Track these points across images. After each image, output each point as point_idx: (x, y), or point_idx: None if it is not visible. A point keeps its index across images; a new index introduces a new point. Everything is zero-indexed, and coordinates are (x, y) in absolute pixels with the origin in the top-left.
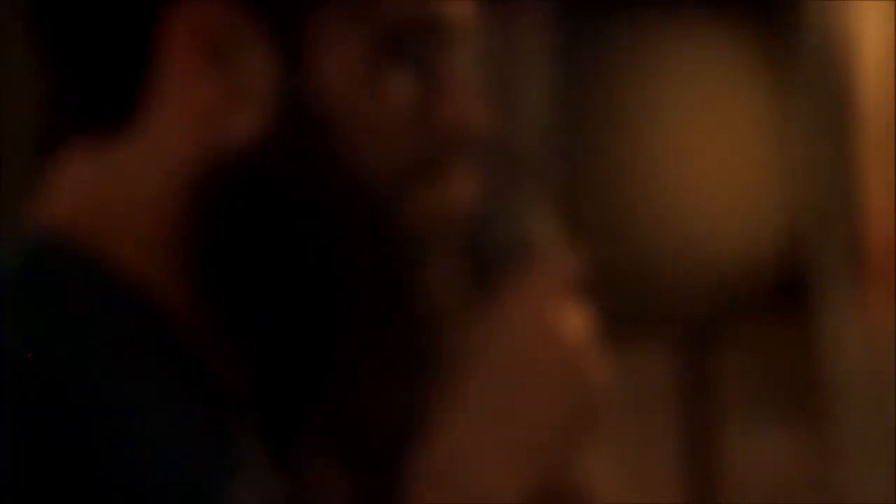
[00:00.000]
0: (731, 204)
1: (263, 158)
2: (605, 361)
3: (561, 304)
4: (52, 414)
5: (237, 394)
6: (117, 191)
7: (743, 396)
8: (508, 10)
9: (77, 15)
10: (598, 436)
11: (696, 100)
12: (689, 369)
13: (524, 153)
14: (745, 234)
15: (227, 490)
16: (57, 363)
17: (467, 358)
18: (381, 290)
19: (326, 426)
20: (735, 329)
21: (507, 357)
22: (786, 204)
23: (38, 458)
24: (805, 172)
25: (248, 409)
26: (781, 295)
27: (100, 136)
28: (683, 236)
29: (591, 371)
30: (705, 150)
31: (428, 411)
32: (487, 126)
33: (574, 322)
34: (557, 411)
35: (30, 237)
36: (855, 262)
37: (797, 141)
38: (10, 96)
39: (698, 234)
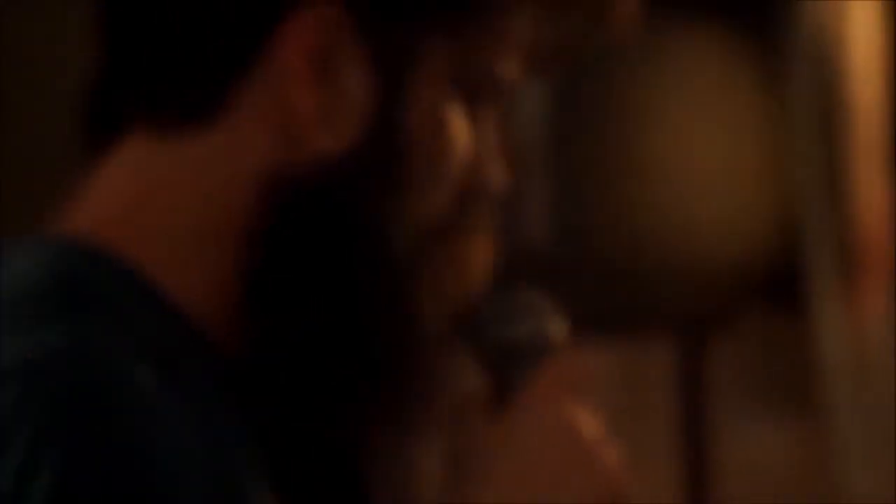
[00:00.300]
0: (726, 201)
1: (334, 178)
2: (620, 456)
3: (578, 402)
4: (96, 420)
5: (256, 407)
6: (181, 188)
7: (737, 388)
8: None
9: None
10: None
11: (689, 100)
12: (685, 362)
13: (524, 153)
14: (739, 230)
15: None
16: (99, 371)
17: (487, 456)
18: (399, 328)
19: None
20: (729, 323)
21: (530, 456)
22: (779, 200)
23: (79, 466)
24: (797, 170)
25: (261, 422)
26: (775, 289)
27: (171, 129)
28: (679, 232)
29: (609, 467)
30: (700, 149)
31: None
32: (508, 188)
33: (589, 419)
34: None
35: (73, 241)
36: (846, 256)
37: (790, 139)
38: (10, 97)
39: (694, 231)
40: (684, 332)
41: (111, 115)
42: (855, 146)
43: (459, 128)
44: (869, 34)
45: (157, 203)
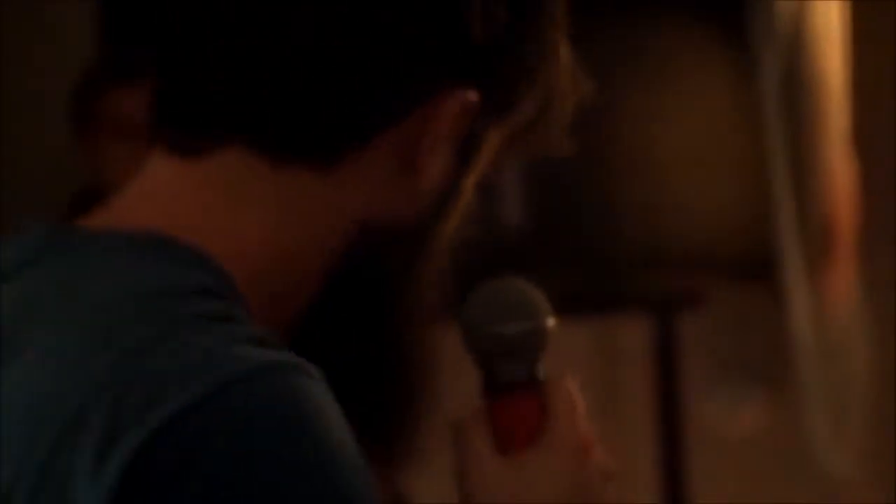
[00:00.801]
0: (699, 183)
1: (392, 234)
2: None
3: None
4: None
5: None
6: (284, 212)
7: (710, 366)
8: None
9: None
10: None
11: (664, 88)
12: (659, 341)
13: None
14: (711, 212)
15: None
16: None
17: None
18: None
19: None
20: (702, 302)
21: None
22: (751, 183)
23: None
24: (768, 154)
25: None
26: (747, 269)
27: (290, 159)
28: (652, 214)
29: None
30: (674, 135)
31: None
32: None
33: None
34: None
35: (178, 243)
36: (816, 237)
37: (762, 126)
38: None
39: (666, 212)
40: (658, 311)
41: (200, 125)
42: (822, 132)
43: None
44: (833, 24)
45: (254, 219)
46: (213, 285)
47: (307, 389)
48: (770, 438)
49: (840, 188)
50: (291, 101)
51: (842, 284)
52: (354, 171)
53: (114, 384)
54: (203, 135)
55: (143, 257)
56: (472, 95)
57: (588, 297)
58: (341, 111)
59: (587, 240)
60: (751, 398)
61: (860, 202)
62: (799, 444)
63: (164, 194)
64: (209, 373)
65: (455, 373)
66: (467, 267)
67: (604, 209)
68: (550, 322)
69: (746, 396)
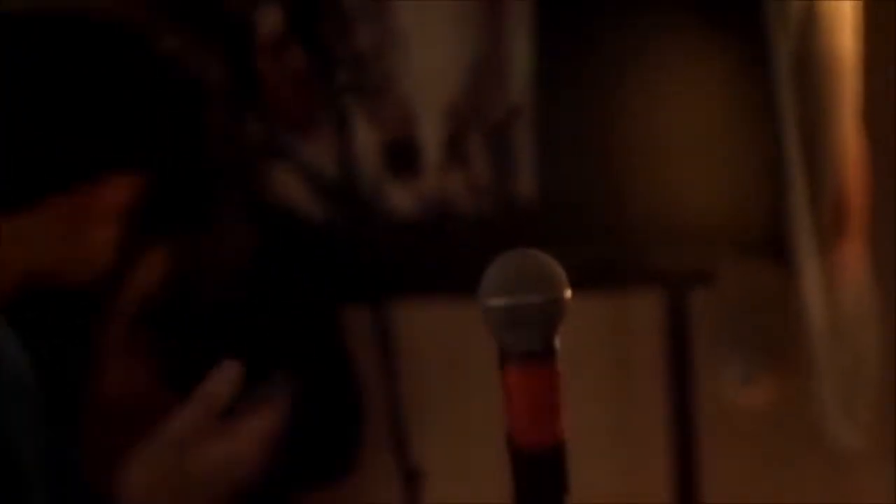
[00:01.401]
0: (711, 160)
1: (63, 288)
2: None
3: None
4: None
5: None
6: None
7: (721, 341)
8: None
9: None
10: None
11: (675, 65)
12: (670, 316)
13: (514, 114)
14: (723, 189)
15: None
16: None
17: None
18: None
19: None
20: (713, 278)
21: None
22: (763, 159)
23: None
24: (784, 136)
25: None
26: (758, 245)
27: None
28: (665, 190)
29: None
30: (686, 112)
31: None
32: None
33: None
34: None
35: None
36: (827, 214)
37: (777, 109)
38: None
39: (679, 188)
40: (670, 286)
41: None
42: (834, 112)
43: None
44: (846, 6)
45: None
46: None
47: None
48: (781, 414)
49: (851, 168)
50: None
51: (853, 262)
52: (26, 228)
53: None
54: None
55: None
56: (138, 180)
57: (600, 272)
58: (10, 177)
59: (600, 216)
60: (762, 374)
61: (871, 182)
62: (809, 419)
63: None
64: None
65: (473, 346)
66: (484, 241)
67: (617, 185)
68: (568, 294)
69: (757, 372)
